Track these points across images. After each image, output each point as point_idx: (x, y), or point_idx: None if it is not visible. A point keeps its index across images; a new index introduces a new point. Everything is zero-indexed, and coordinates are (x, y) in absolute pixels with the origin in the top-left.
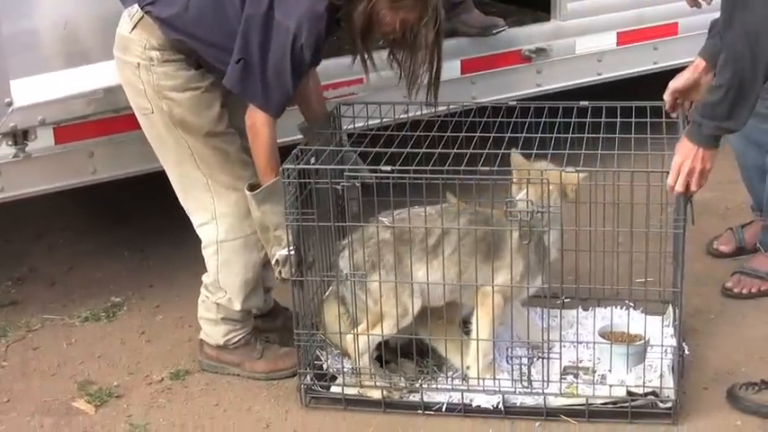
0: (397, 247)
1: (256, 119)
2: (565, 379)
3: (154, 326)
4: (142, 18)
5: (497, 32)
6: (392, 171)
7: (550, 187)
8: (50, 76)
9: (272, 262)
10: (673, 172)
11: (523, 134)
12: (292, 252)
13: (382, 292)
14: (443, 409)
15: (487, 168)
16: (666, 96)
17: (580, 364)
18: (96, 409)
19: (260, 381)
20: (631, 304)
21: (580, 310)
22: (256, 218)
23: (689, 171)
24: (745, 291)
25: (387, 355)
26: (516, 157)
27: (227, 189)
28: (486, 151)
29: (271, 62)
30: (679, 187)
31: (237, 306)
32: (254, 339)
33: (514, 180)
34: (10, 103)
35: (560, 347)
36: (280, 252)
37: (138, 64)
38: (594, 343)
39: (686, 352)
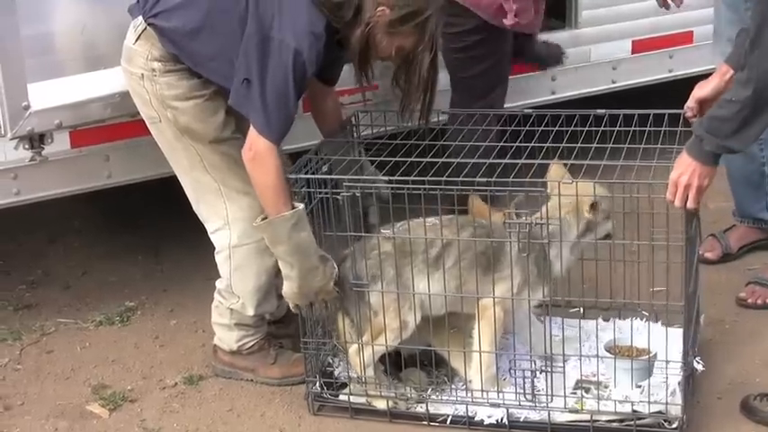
0: (397, 258)
1: (259, 147)
2: (575, 393)
3: (168, 330)
4: (145, 29)
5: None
6: (390, 181)
7: (564, 200)
8: (67, 80)
9: (331, 285)
10: (670, 186)
11: (532, 143)
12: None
13: (383, 303)
14: (448, 422)
15: (485, 180)
16: (690, 104)
17: (593, 378)
18: (110, 413)
19: (273, 386)
20: (645, 313)
21: (583, 322)
22: (299, 246)
23: (686, 186)
24: (759, 301)
25: (392, 367)
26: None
27: (239, 193)
28: (490, 161)
29: (270, 85)
30: (678, 202)
31: (251, 311)
32: (268, 345)
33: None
34: (27, 107)
35: (563, 361)
36: (336, 267)
37: (142, 75)
38: (598, 357)
39: (701, 368)
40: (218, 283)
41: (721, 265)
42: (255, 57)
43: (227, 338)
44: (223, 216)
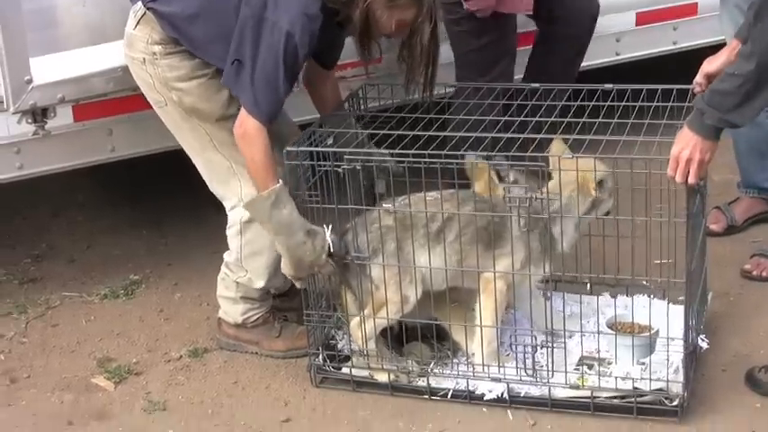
0: (399, 232)
1: (248, 126)
2: (577, 370)
3: (172, 304)
4: (144, 14)
5: None
6: (391, 155)
7: (569, 178)
8: (70, 54)
9: (323, 259)
10: (671, 161)
11: (536, 117)
12: (333, 234)
13: (384, 277)
14: (449, 396)
15: (485, 153)
16: (699, 79)
17: (595, 355)
18: (115, 386)
19: (278, 359)
20: (647, 285)
21: (588, 298)
22: (280, 223)
23: (687, 161)
24: (764, 273)
25: (394, 340)
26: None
27: None
28: (492, 135)
29: (261, 66)
30: (679, 177)
31: (260, 284)
32: (273, 318)
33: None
34: (29, 81)
35: (564, 337)
36: (328, 237)
37: (144, 59)
38: (599, 333)
39: (705, 346)
40: (227, 256)
41: (726, 238)
42: (249, 38)
43: (232, 311)
44: (237, 193)
